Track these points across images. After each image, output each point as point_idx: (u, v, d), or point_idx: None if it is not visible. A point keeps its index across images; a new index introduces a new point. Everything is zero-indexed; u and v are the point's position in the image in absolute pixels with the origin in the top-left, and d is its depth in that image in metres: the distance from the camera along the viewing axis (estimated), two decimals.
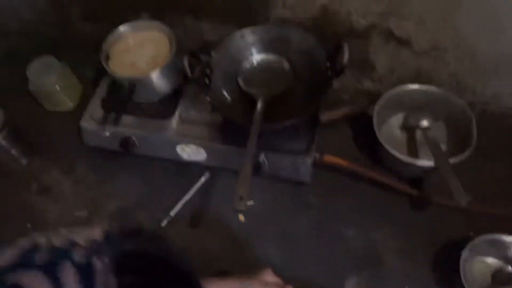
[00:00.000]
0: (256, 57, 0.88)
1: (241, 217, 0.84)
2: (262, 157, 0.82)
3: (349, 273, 0.77)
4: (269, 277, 0.62)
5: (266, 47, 0.87)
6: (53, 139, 0.97)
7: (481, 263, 0.76)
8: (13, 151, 0.90)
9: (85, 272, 0.34)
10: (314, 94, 0.80)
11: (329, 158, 0.81)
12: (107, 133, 0.78)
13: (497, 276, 0.74)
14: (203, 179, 0.89)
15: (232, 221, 0.84)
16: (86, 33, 1.06)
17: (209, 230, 0.84)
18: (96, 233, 0.38)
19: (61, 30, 1.08)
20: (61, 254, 0.34)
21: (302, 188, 0.85)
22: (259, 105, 0.80)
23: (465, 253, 0.72)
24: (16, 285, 0.31)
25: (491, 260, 0.76)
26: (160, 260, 0.41)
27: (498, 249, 0.74)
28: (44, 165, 0.94)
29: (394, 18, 0.78)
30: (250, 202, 0.86)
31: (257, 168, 0.83)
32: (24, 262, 0.33)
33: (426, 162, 0.77)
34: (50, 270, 0.33)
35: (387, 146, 0.79)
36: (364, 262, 0.78)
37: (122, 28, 0.88)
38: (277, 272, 0.64)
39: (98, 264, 0.35)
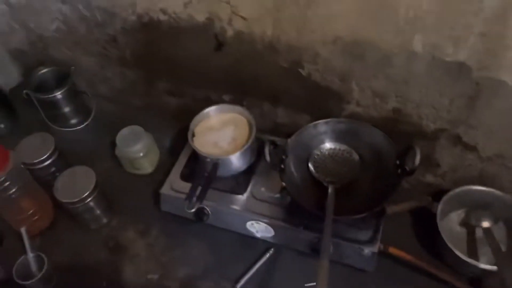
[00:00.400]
0: (327, 145, 0.95)
1: None
2: None
3: None
4: None
5: (337, 137, 0.95)
6: (130, 200, 1.06)
7: None
8: (97, 211, 0.99)
9: None
10: (382, 187, 0.86)
11: (393, 250, 0.85)
12: (193, 210, 0.85)
13: None
14: (267, 255, 0.94)
15: None
16: (168, 106, 1.17)
17: None
18: None
19: (146, 100, 1.19)
20: None
21: (363, 275, 0.89)
22: (330, 194, 0.86)
23: None
24: None
25: None
26: None
27: None
28: (121, 225, 1.02)
29: (463, 126, 0.84)
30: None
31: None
32: None
33: (488, 266, 0.81)
34: None
35: (450, 244, 0.83)
36: None
37: (207, 109, 0.98)
38: None
39: None
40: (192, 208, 0.84)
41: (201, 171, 0.91)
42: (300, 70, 0.90)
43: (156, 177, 1.08)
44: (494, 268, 0.80)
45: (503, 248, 0.88)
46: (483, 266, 0.81)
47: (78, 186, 0.94)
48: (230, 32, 0.90)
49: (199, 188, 0.88)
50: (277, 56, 0.90)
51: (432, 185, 0.99)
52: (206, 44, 0.95)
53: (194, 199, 0.86)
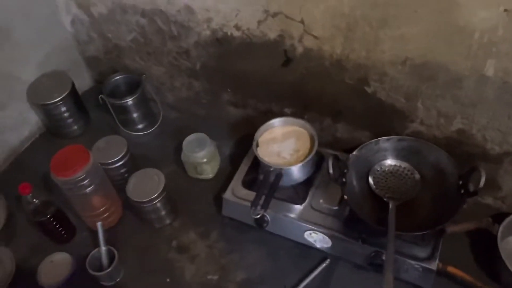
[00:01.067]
0: (388, 162, 0.98)
1: None
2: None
3: None
4: None
5: (398, 155, 0.97)
6: (192, 203, 1.11)
7: None
8: (163, 212, 1.05)
9: None
10: (443, 206, 0.88)
11: (452, 269, 0.86)
12: (258, 216, 0.90)
13: None
14: (324, 265, 0.97)
15: None
16: (229, 115, 1.23)
17: None
18: None
19: (209, 109, 1.26)
20: None
21: None
22: (391, 209, 0.88)
23: None
24: None
25: None
26: None
27: None
28: (183, 226, 1.07)
29: None
30: None
31: (378, 266, 0.89)
32: None
33: None
34: None
35: (510, 267, 0.83)
36: None
37: (272, 121, 1.03)
38: None
39: None
40: (258, 215, 0.89)
41: (265, 180, 0.95)
42: (366, 87, 0.93)
43: (216, 182, 1.14)
44: None
45: None
46: None
47: (148, 187, 1.00)
48: (299, 49, 0.94)
49: (263, 197, 0.92)
50: (344, 73, 0.93)
51: (490, 207, 0.99)
52: (274, 60, 1.00)
53: (259, 207, 0.90)
